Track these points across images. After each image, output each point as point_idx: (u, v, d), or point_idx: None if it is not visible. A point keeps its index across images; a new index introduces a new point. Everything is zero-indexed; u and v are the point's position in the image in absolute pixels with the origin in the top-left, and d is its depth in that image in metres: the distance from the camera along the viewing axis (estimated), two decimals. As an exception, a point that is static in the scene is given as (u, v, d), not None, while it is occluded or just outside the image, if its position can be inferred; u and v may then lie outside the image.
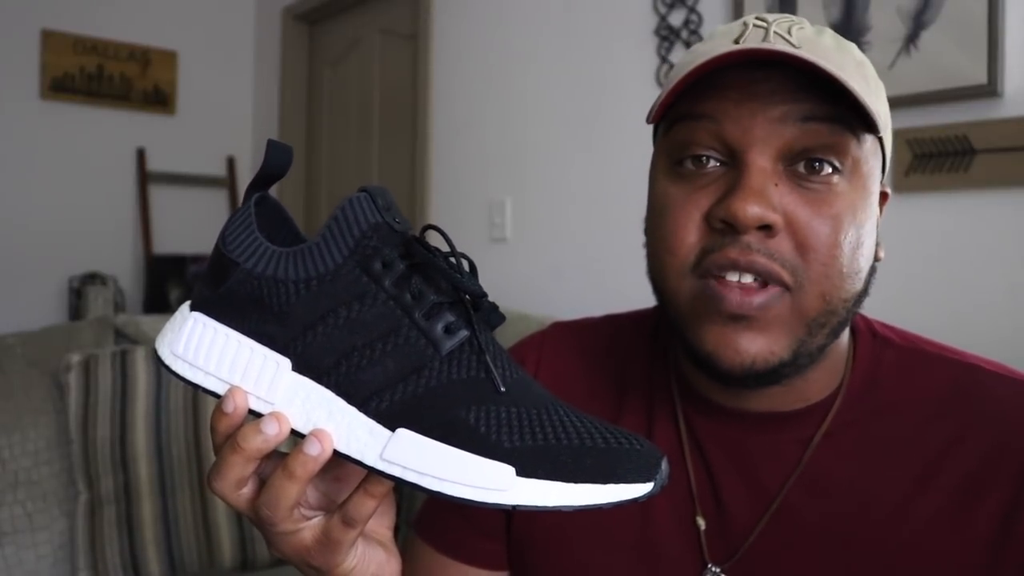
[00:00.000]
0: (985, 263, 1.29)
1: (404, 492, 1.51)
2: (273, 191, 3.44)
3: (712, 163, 0.52)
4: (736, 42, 0.52)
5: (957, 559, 0.52)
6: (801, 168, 0.51)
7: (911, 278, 1.35)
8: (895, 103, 1.34)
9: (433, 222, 2.40)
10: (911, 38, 1.35)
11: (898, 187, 1.36)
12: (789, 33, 0.52)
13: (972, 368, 0.58)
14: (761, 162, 0.50)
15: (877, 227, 0.58)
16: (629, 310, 0.73)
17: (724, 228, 0.51)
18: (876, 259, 0.57)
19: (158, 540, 1.41)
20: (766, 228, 0.50)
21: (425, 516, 0.70)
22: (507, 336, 1.60)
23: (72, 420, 1.40)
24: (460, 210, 2.32)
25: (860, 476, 0.55)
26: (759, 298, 0.50)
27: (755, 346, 0.51)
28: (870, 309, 0.64)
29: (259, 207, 0.46)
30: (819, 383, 0.57)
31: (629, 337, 0.69)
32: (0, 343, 1.48)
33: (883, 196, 0.59)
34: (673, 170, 0.54)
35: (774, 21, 0.53)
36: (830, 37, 0.54)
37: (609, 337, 0.70)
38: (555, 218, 2.03)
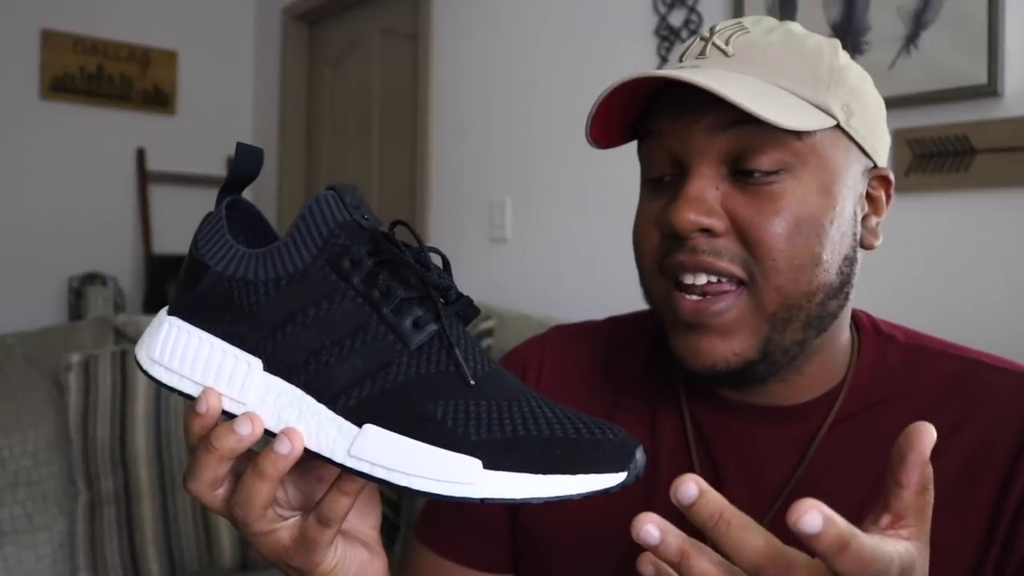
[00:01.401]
0: (985, 263, 1.29)
1: (405, 495, 1.50)
2: (273, 191, 3.39)
3: (668, 178, 0.56)
4: (681, 58, 0.57)
5: (959, 544, 0.53)
6: (743, 169, 0.53)
7: (911, 278, 1.35)
8: (895, 103, 1.35)
9: (433, 222, 2.41)
10: (911, 38, 1.35)
11: (898, 187, 1.36)
12: (727, 43, 0.55)
13: (973, 362, 0.59)
14: (701, 169, 0.53)
15: (876, 214, 0.59)
16: (631, 311, 0.73)
17: (672, 235, 0.54)
18: (867, 247, 0.58)
19: (158, 540, 1.41)
20: (707, 231, 0.52)
21: (425, 519, 0.70)
22: (507, 336, 1.60)
23: (72, 420, 1.40)
24: (460, 210, 2.32)
25: (863, 468, 0.56)
26: (715, 305, 0.53)
27: (716, 351, 0.53)
28: (871, 308, 0.64)
29: (232, 210, 0.46)
30: (818, 377, 0.58)
31: (631, 335, 0.69)
32: (0, 343, 1.48)
33: (885, 181, 0.59)
34: (646, 184, 0.59)
35: (719, 31, 0.56)
36: (779, 36, 0.55)
37: (610, 336, 0.70)
38: (555, 218, 2.03)
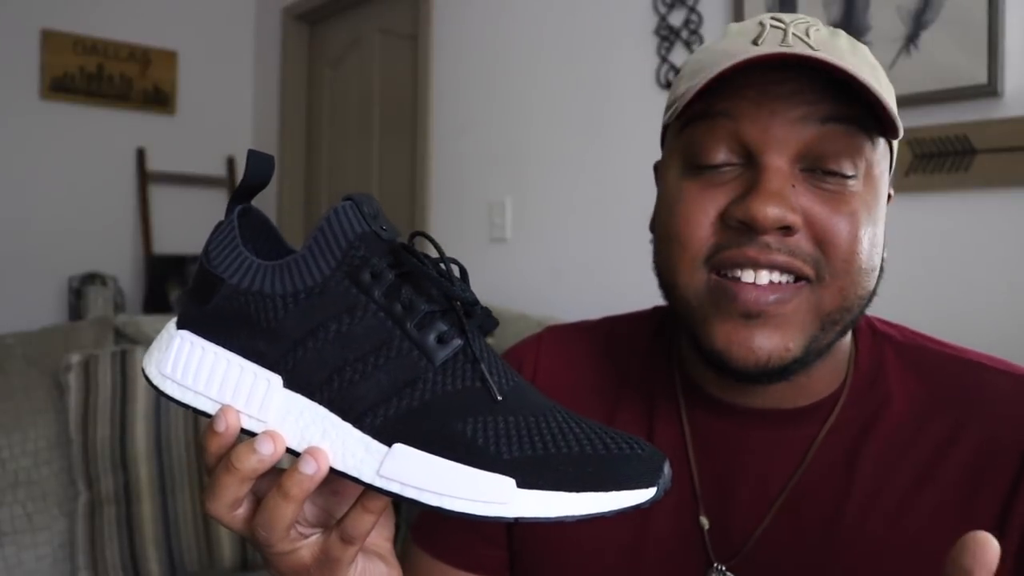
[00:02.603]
0: (985, 263, 1.29)
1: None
2: (273, 192, 3.38)
3: (727, 166, 0.53)
4: (755, 43, 0.53)
5: None
6: (817, 171, 0.51)
7: (911, 278, 1.35)
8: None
9: (433, 222, 2.41)
10: (911, 38, 1.35)
11: (898, 187, 1.36)
12: (807, 35, 0.52)
13: (972, 364, 0.58)
14: (779, 163, 0.51)
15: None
16: (626, 312, 0.72)
17: (741, 227, 0.51)
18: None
19: (158, 540, 1.41)
20: (785, 228, 0.50)
21: (423, 523, 0.69)
22: (507, 336, 1.60)
23: (72, 420, 1.40)
24: (460, 210, 2.32)
25: (865, 471, 0.55)
26: (774, 295, 0.51)
27: (770, 343, 0.51)
28: (871, 308, 0.64)
29: (242, 219, 0.45)
30: (823, 380, 0.58)
31: (627, 337, 0.68)
32: (0, 343, 1.48)
33: (889, 199, 0.59)
34: (688, 169, 0.55)
35: (791, 22, 0.53)
36: (845, 40, 0.54)
37: (606, 337, 0.70)
38: (555, 218, 2.03)
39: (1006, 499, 0.52)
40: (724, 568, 0.57)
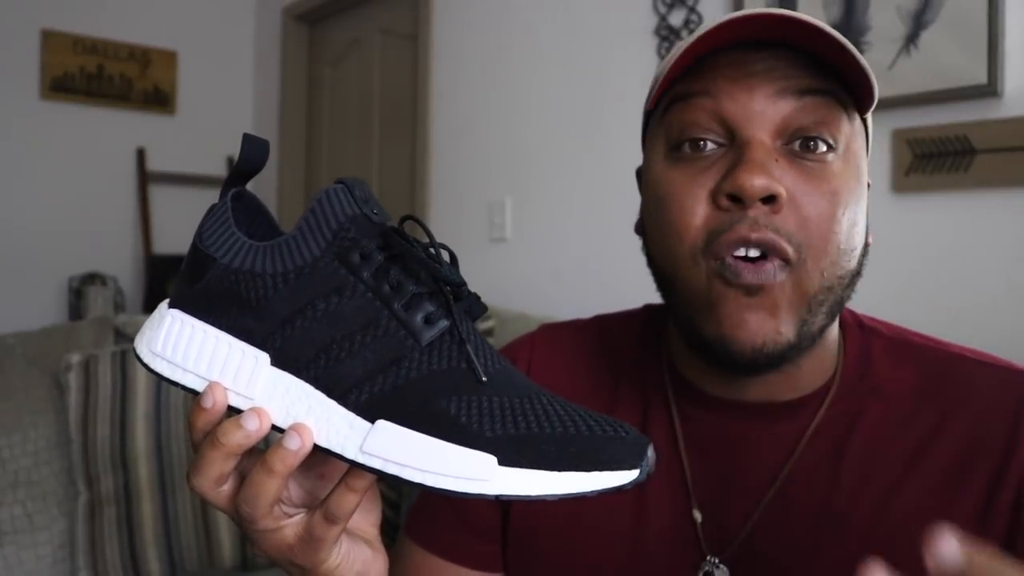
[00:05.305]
0: (985, 263, 1.29)
1: (404, 491, 1.51)
2: (273, 191, 3.38)
3: (711, 146, 0.53)
4: None
5: None
6: (797, 146, 0.52)
7: (911, 278, 1.35)
8: (895, 103, 1.35)
9: (433, 222, 2.41)
10: (911, 38, 1.35)
11: (898, 187, 1.36)
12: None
13: (956, 357, 0.59)
14: (761, 136, 0.51)
15: (866, 211, 0.59)
16: (616, 311, 0.73)
17: (730, 206, 0.51)
18: (866, 243, 0.58)
19: (158, 540, 1.41)
20: (771, 201, 0.50)
21: (416, 517, 0.69)
22: (507, 336, 1.60)
23: (72, 420, 1.40)
24: (460, 210, 2.32)
25: (853, 463, 0.56)
26: (771, 269, 0.50)
27: (765, 327, 0.51)
28: (871, 308, 0.64)
29: (236, 202, 0.46)
30: (812, 372, 0.58)
31: (618, 335, 0.69)
32: (0, 343, 1.48)
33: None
34: (671, 155, 0.55)
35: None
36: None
37: (598, 335, 0.70)
38: (555, 218, 2.03)
39: (989, 488, 0.53)
40: (717, 560, 0.57)
